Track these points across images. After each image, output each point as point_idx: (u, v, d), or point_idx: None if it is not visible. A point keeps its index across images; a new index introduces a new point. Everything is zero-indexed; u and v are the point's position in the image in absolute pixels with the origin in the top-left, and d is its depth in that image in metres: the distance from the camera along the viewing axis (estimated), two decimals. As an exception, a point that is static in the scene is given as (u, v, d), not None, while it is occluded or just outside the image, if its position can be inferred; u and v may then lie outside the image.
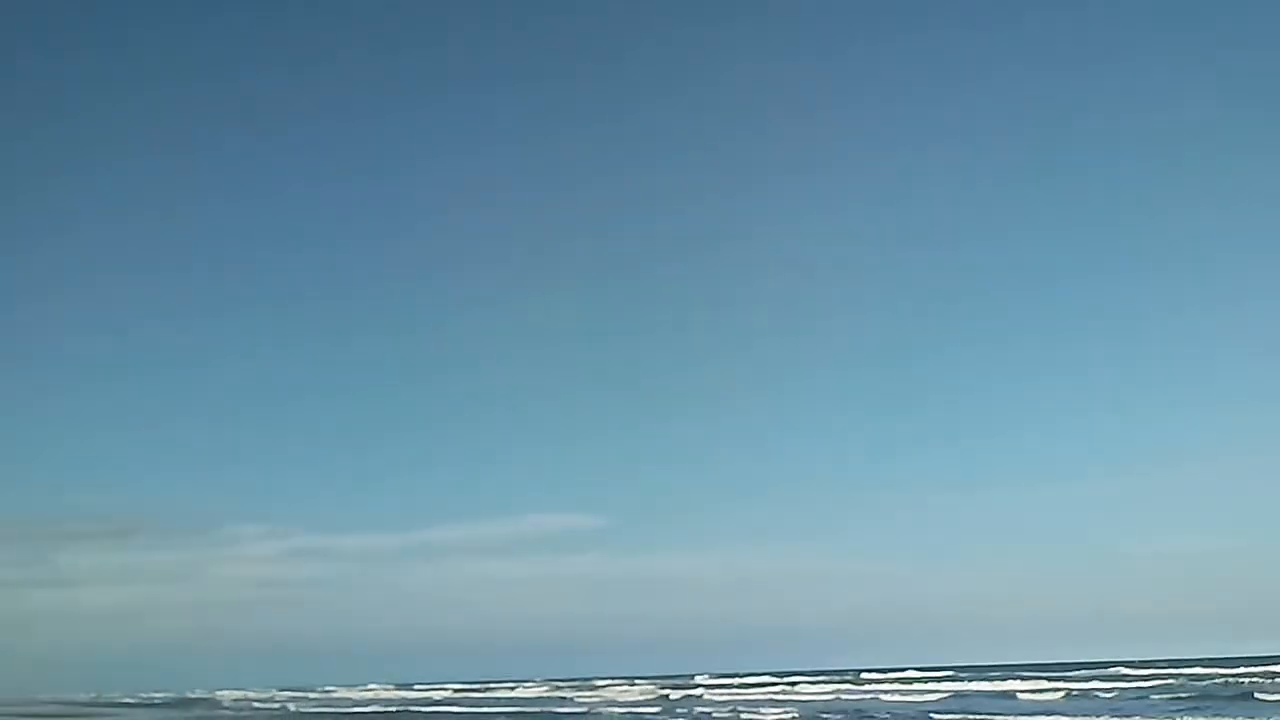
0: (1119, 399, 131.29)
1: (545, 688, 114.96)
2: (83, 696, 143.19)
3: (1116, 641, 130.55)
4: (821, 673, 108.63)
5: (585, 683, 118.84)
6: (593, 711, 61.59)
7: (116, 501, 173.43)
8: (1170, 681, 67.54)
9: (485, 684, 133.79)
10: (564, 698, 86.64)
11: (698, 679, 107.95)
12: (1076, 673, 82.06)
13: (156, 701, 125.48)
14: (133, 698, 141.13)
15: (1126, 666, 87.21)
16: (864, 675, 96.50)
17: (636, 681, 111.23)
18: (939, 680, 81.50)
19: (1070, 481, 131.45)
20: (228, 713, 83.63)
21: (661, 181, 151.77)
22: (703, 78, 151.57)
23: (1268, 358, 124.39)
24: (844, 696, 68.38)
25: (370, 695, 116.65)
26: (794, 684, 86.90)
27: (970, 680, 79.35)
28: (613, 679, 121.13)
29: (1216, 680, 65.86)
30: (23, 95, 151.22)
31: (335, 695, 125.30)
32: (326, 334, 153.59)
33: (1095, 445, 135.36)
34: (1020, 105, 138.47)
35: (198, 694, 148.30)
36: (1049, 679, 72.47)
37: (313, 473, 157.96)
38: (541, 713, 63.69)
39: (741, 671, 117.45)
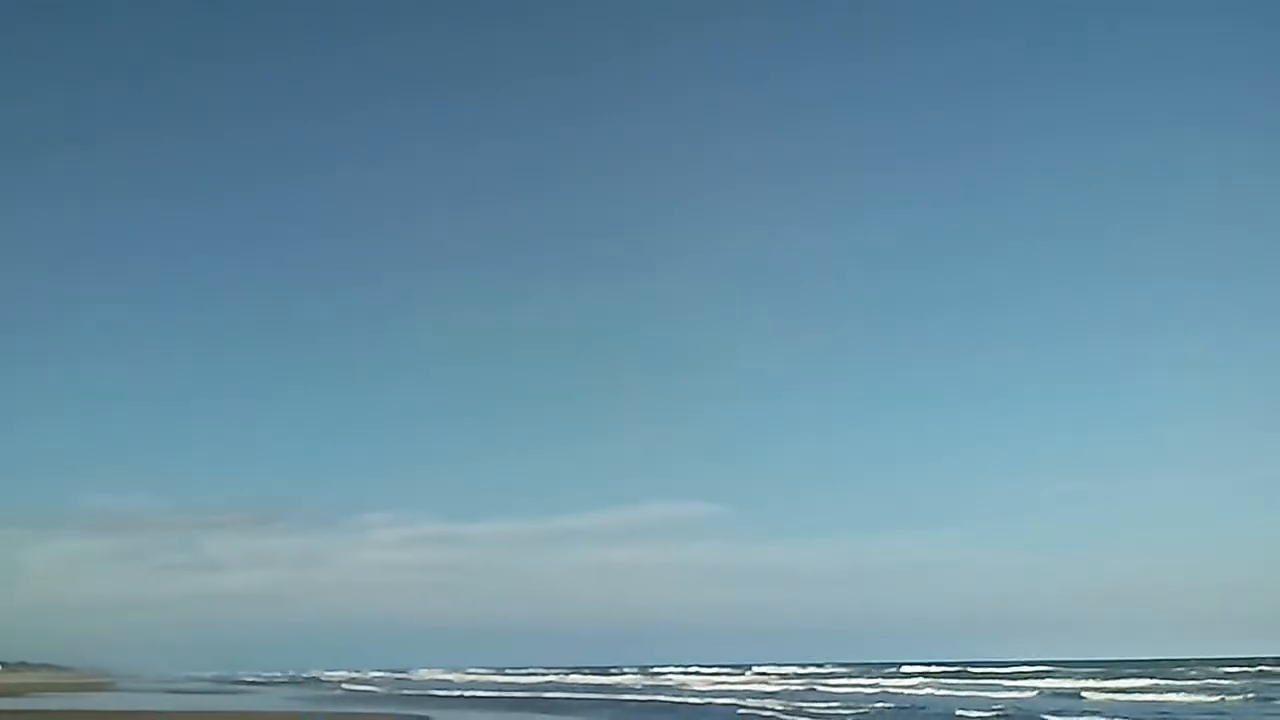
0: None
1: (639, 674, 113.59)
2: (210, 675, 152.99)
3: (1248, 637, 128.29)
4: (927, 664, 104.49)
5: (687, 670, 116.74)
6: (684, 701, 59.05)
7: (259, 491, 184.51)
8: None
9: (578, 669, 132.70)
10: (656, 685, 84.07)
11: (762, 668, 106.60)
12: (1223, 670, 75.09)
13: (277, 681, 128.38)
14: (255, 677, 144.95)
15: (1269, 664, 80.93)
16: (971, 669, 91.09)
17: (708, 670, 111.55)
18: (1044, 676, 74.76)
19: (1208, 474, 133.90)
20: (330, 693, 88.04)
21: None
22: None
23: None
24: (934, 693, 62.15)
25: (467, 679, 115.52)
26: (890, 676, 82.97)
27: (1080, 678, 71.27)
28: (710, 668, 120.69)
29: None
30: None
31: (426, 678, 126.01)
32: (450, 327, 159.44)
33: (1238, 439, 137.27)
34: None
35: (309, 674, 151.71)
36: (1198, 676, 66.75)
37: (439, 463, 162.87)
38: (609, 699, 60.32)
39: (855, 660, 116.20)
